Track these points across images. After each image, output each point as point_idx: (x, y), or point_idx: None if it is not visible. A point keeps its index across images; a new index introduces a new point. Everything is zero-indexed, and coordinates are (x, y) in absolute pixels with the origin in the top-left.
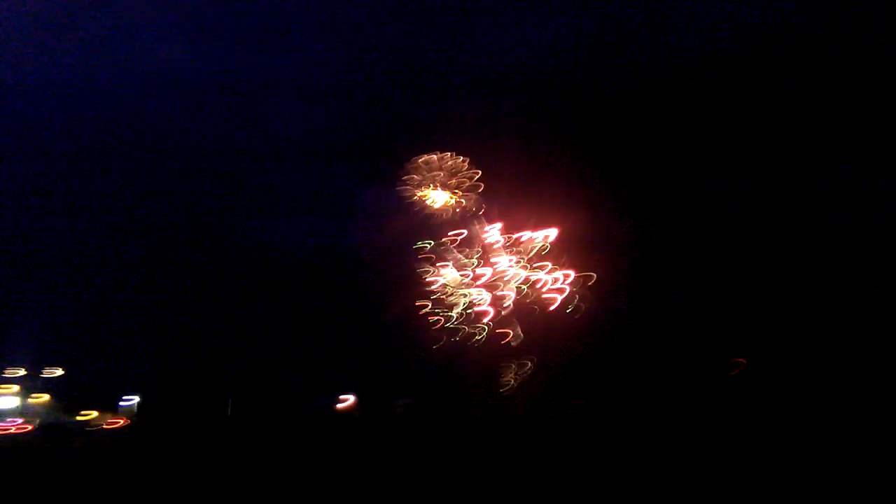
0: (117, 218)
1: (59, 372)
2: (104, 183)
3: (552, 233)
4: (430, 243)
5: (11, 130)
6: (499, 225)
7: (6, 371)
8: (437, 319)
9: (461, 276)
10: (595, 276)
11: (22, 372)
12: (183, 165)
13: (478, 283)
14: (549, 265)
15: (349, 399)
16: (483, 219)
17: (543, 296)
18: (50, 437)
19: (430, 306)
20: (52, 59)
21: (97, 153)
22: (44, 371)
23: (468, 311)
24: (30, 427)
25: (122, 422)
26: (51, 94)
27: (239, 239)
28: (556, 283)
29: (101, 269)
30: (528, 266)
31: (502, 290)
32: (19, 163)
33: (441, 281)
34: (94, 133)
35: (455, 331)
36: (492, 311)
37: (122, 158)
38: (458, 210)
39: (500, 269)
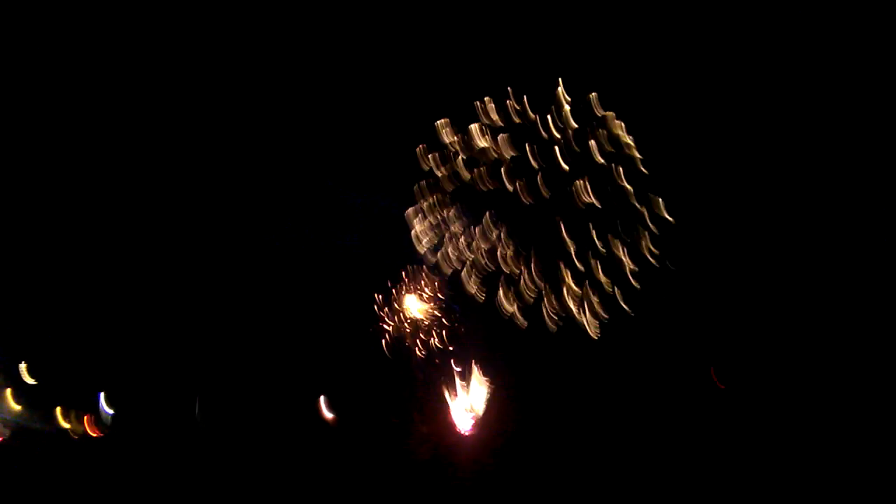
0: (91, 221)
1: (31, 380)
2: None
3: None
4: None
5: None
6: None
7: None
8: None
9: None
10: None
11: None
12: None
13: None
14: None
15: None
16: None
17: None
18: (27, 446)
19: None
20: None
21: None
22: (17, 377)
23: None
24: (1, 437)
25: (100, 430)
26: None
27: (216, 239)
28: None
29: (71, 272)
30: None
31: None
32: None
33: None
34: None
35: None
36: None
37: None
38: None
39: None
